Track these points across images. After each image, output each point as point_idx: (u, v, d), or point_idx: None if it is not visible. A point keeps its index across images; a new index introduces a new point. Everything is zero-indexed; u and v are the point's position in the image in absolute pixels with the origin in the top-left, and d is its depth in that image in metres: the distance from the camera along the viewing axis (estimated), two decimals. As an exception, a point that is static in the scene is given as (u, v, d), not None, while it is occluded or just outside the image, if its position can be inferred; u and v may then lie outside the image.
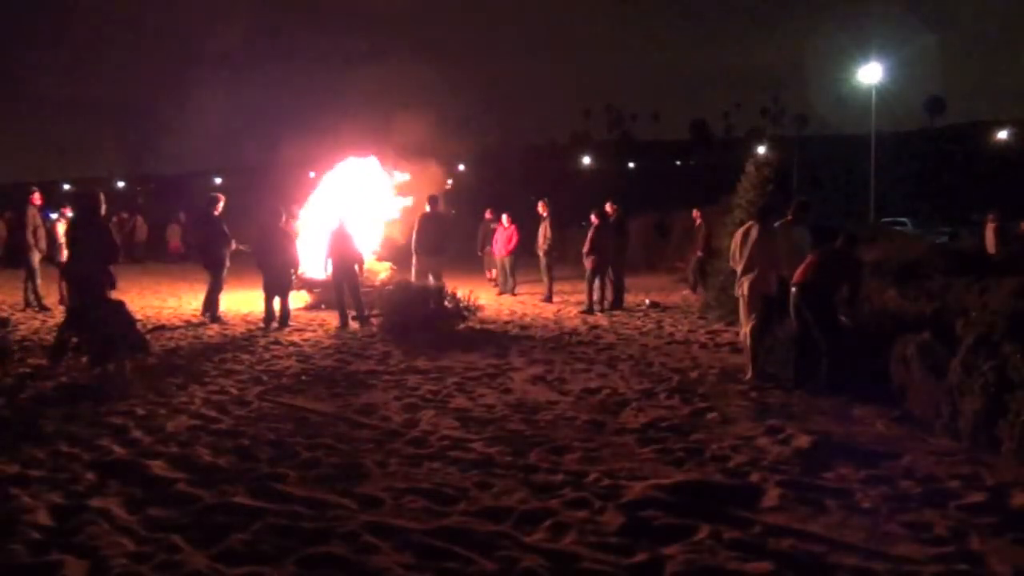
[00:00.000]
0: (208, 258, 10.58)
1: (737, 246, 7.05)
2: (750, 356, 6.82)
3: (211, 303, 10.56)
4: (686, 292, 14.23)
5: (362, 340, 9.00)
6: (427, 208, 12.11)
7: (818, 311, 6.31)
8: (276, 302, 10.00)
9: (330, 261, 10.60)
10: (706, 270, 14.59)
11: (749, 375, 6.73)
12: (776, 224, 7.05)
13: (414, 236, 11.79)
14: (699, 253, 14.65)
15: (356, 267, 10.39)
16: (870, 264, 8.47)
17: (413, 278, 11.43)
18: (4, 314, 10.07)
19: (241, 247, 10.98)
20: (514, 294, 14.12)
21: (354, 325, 10.00)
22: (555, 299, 13.13)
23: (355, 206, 12.40)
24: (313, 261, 12.41)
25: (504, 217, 14.52)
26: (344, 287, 10.26)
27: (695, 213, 15.15)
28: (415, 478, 4.30)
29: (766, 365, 6.78)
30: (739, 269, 7.03)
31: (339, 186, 13.34)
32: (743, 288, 6.95)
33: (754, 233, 6.90)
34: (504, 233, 14.34)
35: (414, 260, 11.85)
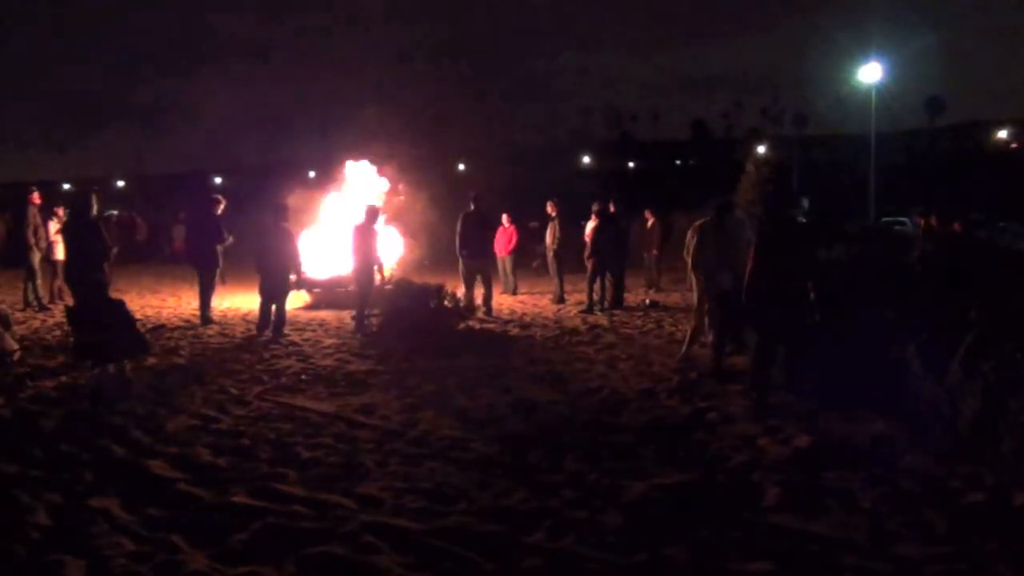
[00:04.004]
0: (201, 257, 10.35)
1: (690, 243, 7.25)
2: (714, 347, 7.04)
3: (205, 306, 10.45)
4: (650, 292, 14.18)
5: (362, 340, 9.00)
6: (471, 207, 11.44)
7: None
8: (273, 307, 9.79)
9: (354, 259, 10.16)
10: (660, 269, 14.82)
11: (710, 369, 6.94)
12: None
13: (458, 237, 11.27)
14: (655, 252, 15.05)
15: (376, 269, 10.07)
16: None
17: (462, 282, 11.09)
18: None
19: (230, 239, 10.77)
20: (514, 294, 14.10)
21: (353, 326, 9.97)
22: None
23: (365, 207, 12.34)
24: (313, 261, 12.40)
25: (504, 217, 14.49)
26: (362, 286, 9.93)
27: (647, 213, 15.21)
28: (415, 478, 4.30)
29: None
30: (692, 265, 7.24)
31: (347, 188, 13.25)
32: (697, 283, 7.15)
33: (709, 230, 7.09)
34: (504, 233, 14.33)
35: (460, 263, 11.34)
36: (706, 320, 7.34)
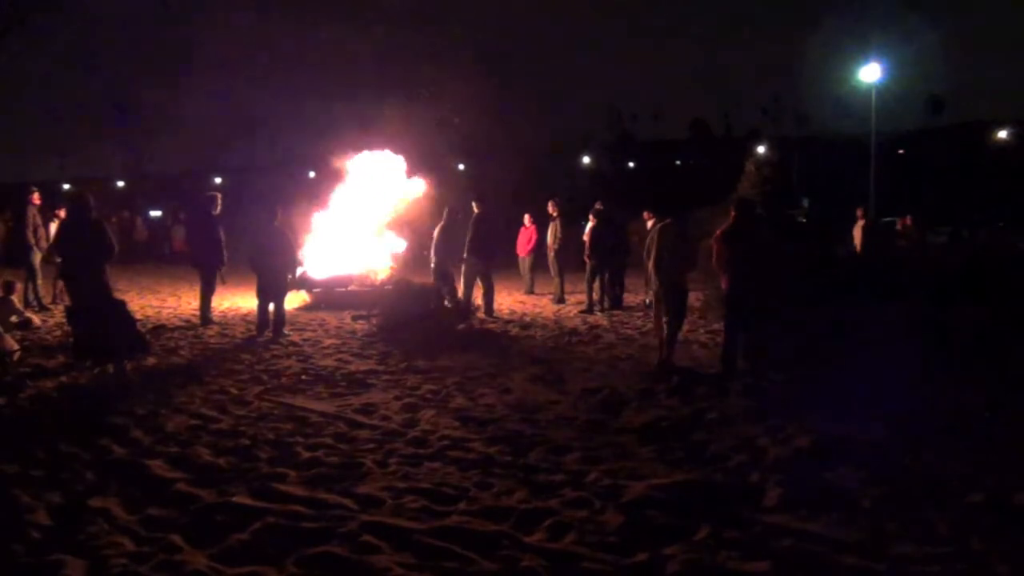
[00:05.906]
0: (201, 257, 10.31)
1: (652, 243, 7.34)
2: (664, 345, 7.28)
3: (206, 306, 10.43)
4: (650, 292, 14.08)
5: (362, 340, 9.00)
6: (476, 208, 11.39)
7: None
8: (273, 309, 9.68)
9: (436, 254, 10.95)
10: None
11: (657, 362, 7.22)
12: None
13: (468, 241, 11.18)
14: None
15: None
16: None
17: (462, 282, 11.09)
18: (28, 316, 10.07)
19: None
20: (529, 293, 14.08)
21: (357, 325, 9.98)
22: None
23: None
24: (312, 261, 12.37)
25: (526, 217, 14.49)
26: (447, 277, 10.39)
27: (645, 214, 15.08)
28: (415, 478, 4.30)
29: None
30: (651, 264, 7.43)
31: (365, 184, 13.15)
32: (655, 281, 7.37)
33: (668, 230, 7.21)
34: (525, 233, 14.36)
35: (465, 263, 11.21)
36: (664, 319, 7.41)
